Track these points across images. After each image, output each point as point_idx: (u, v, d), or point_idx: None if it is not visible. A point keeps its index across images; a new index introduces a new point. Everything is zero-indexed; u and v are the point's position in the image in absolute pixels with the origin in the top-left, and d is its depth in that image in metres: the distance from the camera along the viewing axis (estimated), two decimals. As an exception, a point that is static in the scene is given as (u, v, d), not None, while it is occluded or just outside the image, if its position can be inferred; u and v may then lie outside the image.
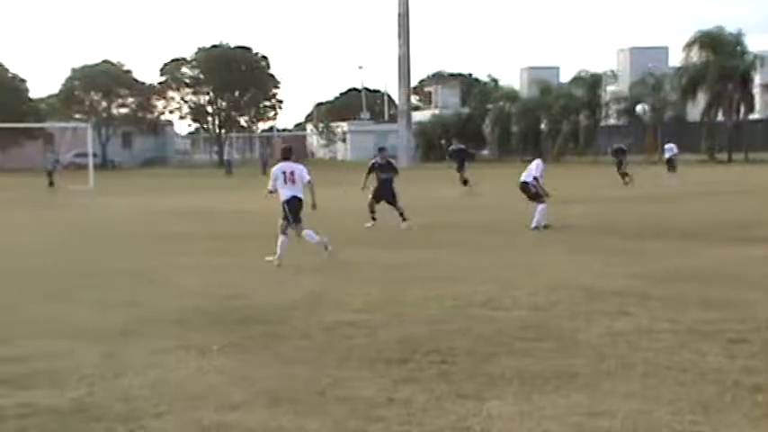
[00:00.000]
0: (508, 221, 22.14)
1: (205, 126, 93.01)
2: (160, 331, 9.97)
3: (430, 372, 8.01)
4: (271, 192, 15.94)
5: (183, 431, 6.61)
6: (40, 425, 6.77)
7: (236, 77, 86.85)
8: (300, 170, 15.85)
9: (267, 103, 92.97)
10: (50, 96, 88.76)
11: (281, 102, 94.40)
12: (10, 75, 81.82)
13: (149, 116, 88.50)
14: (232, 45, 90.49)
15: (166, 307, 11.44)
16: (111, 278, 14.14)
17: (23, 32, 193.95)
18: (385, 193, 21.58)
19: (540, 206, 20.25)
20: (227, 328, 10.06)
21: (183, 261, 16.06)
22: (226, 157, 73.76)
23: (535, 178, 20.60)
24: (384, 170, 21.77)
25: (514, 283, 12.76)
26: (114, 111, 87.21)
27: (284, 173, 15.70)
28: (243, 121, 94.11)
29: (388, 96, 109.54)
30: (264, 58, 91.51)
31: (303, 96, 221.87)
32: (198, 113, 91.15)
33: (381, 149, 22.98)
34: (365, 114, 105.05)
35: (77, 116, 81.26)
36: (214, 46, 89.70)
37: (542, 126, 76.79)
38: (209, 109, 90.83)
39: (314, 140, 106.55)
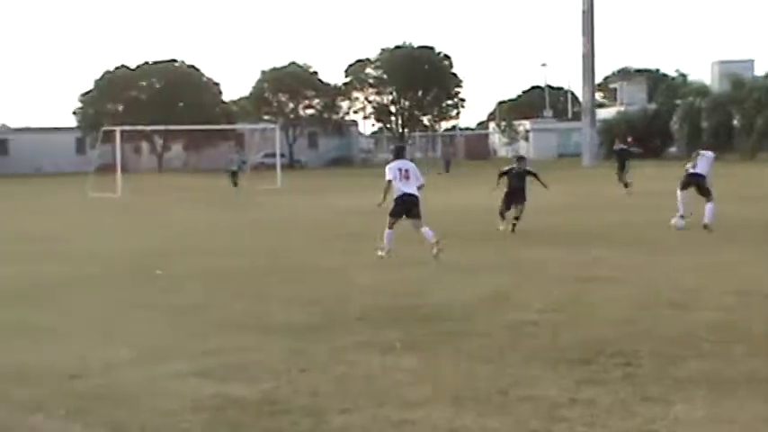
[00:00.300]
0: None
1: (388, 126, 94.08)
2: (344, 328, 10.17)
3: (614, 373, 7.87)
4: (389, 182, 16.26)
5: (367, 427, 6.72)
6: (233, 415, 7.03)
7: (418, 77, 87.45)
8: (414, 169, 16.52)
9: (449, 102, 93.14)
10: (241, 98, 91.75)
11: (463, 100, 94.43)
12: (205, 79, 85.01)
13: (334, 116, 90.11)
14: (415, 45, 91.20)
15: (351, 304, 11.65)
16: (298, 276, 14.50)
17: (217, 37, 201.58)
18: (515, 199, 21.09)
19: (710, 204, 19.36)
20: (409, 326, 10.16)
21: (366, 259, 16.29)
22: (408, 157, 74.44)
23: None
24: (519, 179, 21.23)
25: (698, 284, 12.38)
26: (301, 112, 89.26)
27: (400, 170, 16.30)
28: (425, 120, 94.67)
29: (572, 94, 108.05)
30: (447, 57, 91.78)
31: (485, 95, 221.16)
32: (381, 113, 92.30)
33: (520, 159, 22.64)
34: (548, 112, 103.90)
35: (266, 117, 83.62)
36: (397, 47, 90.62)
37: (734, 122, 73.85)
38: (393, 109, 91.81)
39: (496, 139, 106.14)
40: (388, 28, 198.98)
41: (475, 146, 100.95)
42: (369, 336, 9.67)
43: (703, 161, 20.31)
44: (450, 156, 68.92)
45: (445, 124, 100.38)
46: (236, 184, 43.19)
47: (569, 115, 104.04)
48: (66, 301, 12.53)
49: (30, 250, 19.15)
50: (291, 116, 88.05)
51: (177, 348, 9.32)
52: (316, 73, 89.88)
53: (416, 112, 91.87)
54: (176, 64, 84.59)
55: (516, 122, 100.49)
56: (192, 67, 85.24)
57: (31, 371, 8.51)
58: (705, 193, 19.77)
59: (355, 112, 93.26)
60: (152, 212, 30.50)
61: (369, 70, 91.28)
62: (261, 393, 7.57)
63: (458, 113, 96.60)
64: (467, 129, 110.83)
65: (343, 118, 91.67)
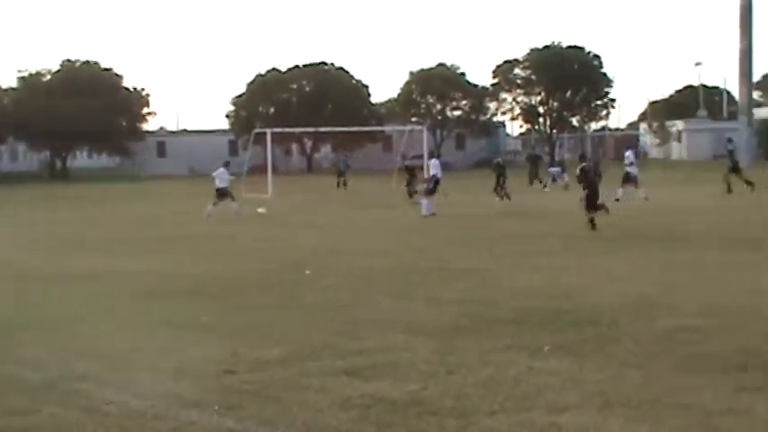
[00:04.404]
0: None
1: (536, 127, 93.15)
2: (491, 330, 10.13)
3: (773, 382, 7.60)
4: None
5: (514, 431, 6.68)
6: (380, 414, 7.10)
7: (568, 77, 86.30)
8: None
9: (599, 103, 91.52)
10: (389, 100, 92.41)
11: (613, 101, 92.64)
12: (353, 81, 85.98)
13: (482, 118, 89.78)
14: (564, 45, 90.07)
15: (498, 306, 11.60)
16: (445, 276, 14.53)
17: (366, 40, 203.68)
18: (595, 196, 21.48)
19: None
20: (558, 329, 10.06)
21: (515, 261, 16.20)
22: (557, 158, 73.48)
23: None
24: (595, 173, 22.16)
25: None
26: (448, 113, 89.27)
27: None
28: (574, 120, 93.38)
29: (728, 93, 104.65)
30: (597, 56, 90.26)
31: (636, 95, 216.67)
32: (529, 114, 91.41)
33: (582, 157, 23.75)
34: (702, 112, 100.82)
35: (414, 119, 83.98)
36: (546, 46, 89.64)
37: None
38: (541, 109, 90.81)
39: (647, 139, 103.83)
40: (536, 28, 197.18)
41: (625, 147, 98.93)
42: (517, 338, 9.61)
43: None
44: (599, 157, 67.78)
45: (595, 125, 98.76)
46: (338, 185, 46.18)
47: (725, 115, 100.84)
48: (223, 299, 12.89)
49: (193, 249, 19.78)
50: (439, 117, 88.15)
51: (327, 347, 9.46)
52: (463, 74, 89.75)
53: (565, 113, 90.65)
54: (326, 67, 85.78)
55: (669, 122, 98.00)
56: (342, 69, 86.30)
57: (188, 366, 8.79)
58: None
59: (503, 113, 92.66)
60: (301, 212, 31.00)
61: (517, 71, 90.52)
62: (408, 394, 7.62)
63: (607, 114, 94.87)
64: (617, 129, 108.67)
65: (490, 119, 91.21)
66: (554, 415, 6.94)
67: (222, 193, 29.95)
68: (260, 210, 29.77)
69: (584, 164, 22.90)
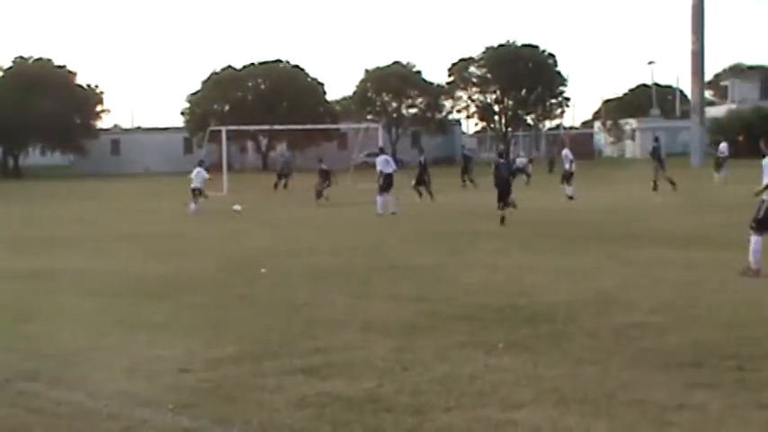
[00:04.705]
0: None
1: (492, 125, 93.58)
2: (447, 327, 10.14)
3: (726, 378, 7.67)
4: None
5: (470, 427, 6.68)
6: (336, 413, 7.07)
7: (522, 76, 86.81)
8: None
9: (554, 101, 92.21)
10: (345, 98, 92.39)
11: (567, 99, 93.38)
12: (309, 78, 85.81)
13: (437, 116, 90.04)
14: (519, 43, 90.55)
15: (454, 303, 11.61)
16: (403, 274, 14.52)
17: (320, 38, 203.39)
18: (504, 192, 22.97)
19: None
20: (513, 326, 10.08)
21: (472, 258, 16.25)
22: (511, 156, 73.86)
23: None
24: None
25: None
26: (404, 111, 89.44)
27: None
28: (529, 119, 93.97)
29: (680, 92, 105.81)
30: (551, 55, 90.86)
31: (590, 93, 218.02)
32: (485, 112, 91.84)
33: (500, 154, 25.26)
34: (655, 111, 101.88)
35: (369, 116, 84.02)
36: (501, 45, 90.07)
37: None
38: (496, 108, 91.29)
39: (601, 138, 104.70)
40: (491, 26, 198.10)
41: (579, 145, 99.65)
42: (473, 335, 9.63)
43: None
44: (553, 155, 68.18)
45: (549, 123, 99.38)
46: (275, 186, 43.97)
47: (678, 113, 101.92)
48: (177, 298, 12.79)
49: (145, 248, 19.63)
50: (394, 115, 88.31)
51: (283, 345, 9.41)
52: (419, 72, 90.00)
53: (520, 111, 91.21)
54: (281, 64, 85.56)
55: (622, 121, 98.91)
56: (297, 67, 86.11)
57: (143, 365, 8.70)
58: None
59: (458, 111, 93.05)
60: (256, 210, 30.87)
61: (472, 69, 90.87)
62: (364, 391, 7.60)
63: (562, 112, 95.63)
64: (571, 128, 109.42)
65: (446, 117, 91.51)
66: (510, 411, 6.95)
67: (197, 193, 30.26)
68: (235, 207, 29.74)
69: (499, 160, 24.40)
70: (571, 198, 31.48)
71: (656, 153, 35.82)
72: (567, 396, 7.28)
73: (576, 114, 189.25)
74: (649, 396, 7.20)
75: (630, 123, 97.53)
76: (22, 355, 9.34)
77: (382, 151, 30.26)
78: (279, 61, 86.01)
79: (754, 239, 13.29)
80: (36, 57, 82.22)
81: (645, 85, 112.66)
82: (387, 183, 27.61)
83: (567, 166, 33.23)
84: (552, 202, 30.46)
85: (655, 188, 34.22)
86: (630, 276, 13.58)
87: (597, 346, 9.02)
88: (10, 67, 79.87)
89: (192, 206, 29.96)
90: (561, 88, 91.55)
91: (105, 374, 8.42)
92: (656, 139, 38.02)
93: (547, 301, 11.63)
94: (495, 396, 7.37)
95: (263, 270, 15.20)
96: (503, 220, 22.35)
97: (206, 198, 30.70)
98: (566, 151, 34.70)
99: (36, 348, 9.61)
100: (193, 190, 30.60)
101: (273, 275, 14.64)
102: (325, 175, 35.28)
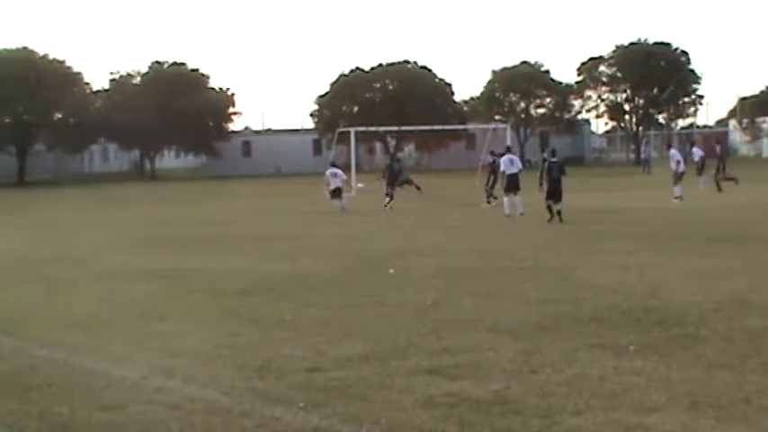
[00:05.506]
0: None
1: (622, 124, 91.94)
2: (576, 329, 10.03)
3: None
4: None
5: (600, 431, 6.60)
6: (464, 413, 7.07)
7: (654, 74, 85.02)
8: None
9: (687, 100, 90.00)
10: (473, 98, 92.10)
11: (701, 97, 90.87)
12: (437, 79, 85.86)
13: (566, 115, 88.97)
14: (651, 41, 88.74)
15: (583, 305, 11.48)
16: (531, 275, 14.43)
17: (449, 38, 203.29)
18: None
19: None
20: (644, 328, 9.91)
21: (601, 259, 16.03)
22: (643, 156, 72.46)
23: None
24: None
25: None
26: (532, 111, 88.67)
27: None
28: (661, 118, 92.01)
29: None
30: (684, 53, 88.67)
31: (726, 91, 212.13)
32: (615, 112, 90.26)
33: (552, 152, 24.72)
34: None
35: (497, 117, 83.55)
36: (632, 43, 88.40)
37: None
38: (627, 107, 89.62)
39: (737, 137, 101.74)
40: (622, 24, 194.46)
41: (713, 144, 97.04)
42: (602, 337, 9.50)
43: None
44: (686, 154, 66.61)
45: (682, 122, 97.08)
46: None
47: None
48: (306, 297, 12.98)
49: (275, 248, 19.99)
50: (522, 116, 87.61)
51: (411, 345, 9.46)
52: (548, 72, 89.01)
53: (651, 111, 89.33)
54: (409, 65, 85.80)
55: (759, 119, 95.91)
56: (425, 68, 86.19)
57: (274, 364, 8.87)
58: None
59: (588, 110, 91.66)
60: (385, 211, 31.06)
61: (602, 68, 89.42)
62: (492, 393, 7.58)
63: (695, 111, 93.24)
64: (705, 127, 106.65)
65: (575, 117, 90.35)
66: (641, 415, 6.84)
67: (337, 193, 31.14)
68: (359, 185, 30.61)
69: (551, 160, 24.96)
70: (678, 198, 30.57)
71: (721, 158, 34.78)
72: (700, 400, 7.12)
73: (710, 113, 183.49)
74: (788, 402, 6.99)
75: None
76: (158, 352, 9.64)
77: (509, 150, 29.97)
78: (407, 62, 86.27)
79: None
80: (171, 61, 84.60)
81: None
82: (511, 183, 27.31)
83: (673, 166, 32.18)
84: (683, 204, 29.77)
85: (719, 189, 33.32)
86: (765, 278, 13.18)
87: (731, 349, 8.79)
88: (147, 72, 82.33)
89: (342, 201, 31.16)
90: (694, 86, 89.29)
91: (237, 372, 8.62)
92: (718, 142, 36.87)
93: (678, 302, 11.40)
94: (625, 399, 7.26)
95: (391, 270, 15.30)
96: (553, 216, 23.65)
97: (349, 192, 31.73)
98: (673, 151, 33.82)
99: (170, 346, 9.90)
100: (335, 190, 31.55)
101: (401, 276, 14.72)
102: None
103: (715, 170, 35.37)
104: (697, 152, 36.02)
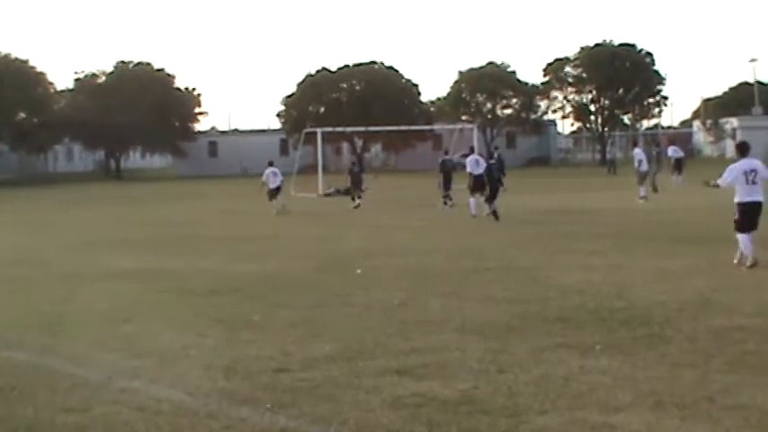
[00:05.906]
0: None
1: (588, 125, 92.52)
2: (543, 328, 10.07)
3: (831, 383, 7.46)
4: (715, 185, 15.12)
5: (566, 430, 6.64)
6: (431, 413, 7.08)
7: (619, 75, 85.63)
8: (762, 169, 14.48)
9: (651, 100, 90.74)
10: (439, 99, 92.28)
11: (665, 98, 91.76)
12: (403, 80, 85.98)
13: (532, 116, 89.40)
14: (616, 42, 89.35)
15: (549, 305, 11.53)
16: (498, 275, 14.47)
17: (415, 39, 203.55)
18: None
19: None
20: (610, 328, 9.97)
21: (567, 259, 16.11)
22: (608, 156, 72.96)
23: None
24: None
25: None
26: (499, 112, 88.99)
27: (745, 172, 14.60)
28: (626, 118, 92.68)
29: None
30: (649, 54, 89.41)
31: (689, 92, 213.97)
32: (580, 112, 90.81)
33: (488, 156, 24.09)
34: (757, 109, 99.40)
35: (464, 117, 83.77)
36: (597, 44, 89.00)
37: None
38: (592, 108, 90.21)
39: (700, 137, 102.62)
40: (587, 26, 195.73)
41: (678, 145, 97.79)
42: (568, 337, 9.55)
43: None
44: (651, 155, 67.07)
45: (646, 123, 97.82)
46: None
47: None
48: (274, 298, 12.95)
49: (242, 249, 19.92)
50: (489, 116, 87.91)
51: (379, 346, 9.46)
52: (514, 72, 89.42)
53: (617, 111, 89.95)
54: (376, 66, 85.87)
55: (723, 120, 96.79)
56: (392, 68, 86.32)
57: (241, 364, 8.84)
58: None
59: (554, 111, 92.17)
60: (350, 211, 31.06)
61: (568, 69, 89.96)
62: (459, 393, 7.60)
63: (660, 112, 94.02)
64: (669, 127, 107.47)
65: (541, 117, 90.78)
66: (607, 414, 6.88)
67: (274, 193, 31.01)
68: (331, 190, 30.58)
69: (490, 161, 26.99)
70: (642, 198, 30.80)
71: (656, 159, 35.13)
72: (665, 399, 7.17)
73: (674, 114, 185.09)
74: (752, 400, 7.05)
75: (731, 122, 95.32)
76: (124, 353, 9.57)
77: (472, 151, 30.10)
78: (373, 63, 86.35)
79: None
80: (137, 61, 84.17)
81: (746, 83, 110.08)
82: (477, 184, 27.17)
83: (635, 165, 32.37)
84: (648, 204, 29.99)
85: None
86: (730, 279, 13.31)
87: (696, 348, 8.86)
88: (112, 72, 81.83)
89: (280, 200, 31.50)
90: (659, 87, 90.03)
91: (204, 373, 8.58)
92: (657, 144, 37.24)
93: (643, 302, 11.47)
94: (591, 398, 7.30)
95: (358, 271, 15.29)
96: (496, 215, 24.84)
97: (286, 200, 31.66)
98: (636, 150, 34.06)
99: (137, 347, 9.84)
100: (274, 190, 31.38)
101: (369, 276, 14.72)
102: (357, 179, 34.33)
103: (654, 171, 35.52)
104: (674, 151, 36.12)
